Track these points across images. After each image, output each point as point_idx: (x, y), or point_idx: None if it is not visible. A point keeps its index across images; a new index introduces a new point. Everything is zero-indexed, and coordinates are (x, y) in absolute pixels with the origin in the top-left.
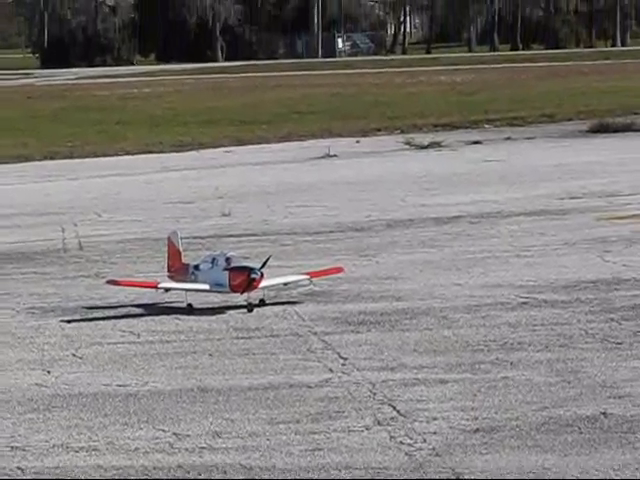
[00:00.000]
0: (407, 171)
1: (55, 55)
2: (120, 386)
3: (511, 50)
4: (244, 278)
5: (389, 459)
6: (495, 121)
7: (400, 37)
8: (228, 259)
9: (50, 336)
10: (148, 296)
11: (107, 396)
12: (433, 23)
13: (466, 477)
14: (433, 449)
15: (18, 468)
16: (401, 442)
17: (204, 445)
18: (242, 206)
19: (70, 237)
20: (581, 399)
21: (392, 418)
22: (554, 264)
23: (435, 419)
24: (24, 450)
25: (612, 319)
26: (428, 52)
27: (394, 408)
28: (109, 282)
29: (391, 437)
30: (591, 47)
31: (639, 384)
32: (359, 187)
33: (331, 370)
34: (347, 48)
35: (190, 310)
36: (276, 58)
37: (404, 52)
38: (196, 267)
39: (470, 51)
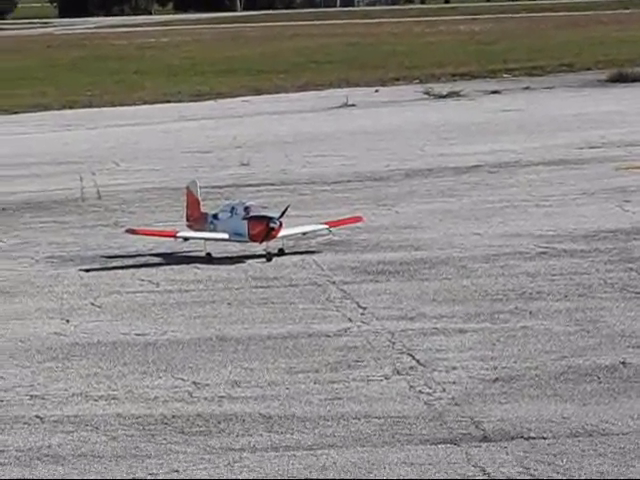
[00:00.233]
0: (425, 121)
1: (73, 4)
2: (139, 335)
3: None
4: (263, 227)
5: (408, 408)
6: (514, 71)
7: None
8: (247, 208)
9: (69, 285)
10: (167, 245)
11: (126, 345)
12: None
13: (485, 426)
14: (452, 398)
15: (37, 417)
16: (420, 391)
17: (223, 394)
18: (260, 156)
19: (89, 186)
20: (600, 348)
21: (411, 367)
22: (573, 214)
23: (454, 368)
24: (43, 399)
25: (631, 269)
26: (447, 1)
27: (413, 357)
28: (128, 231)
29: (410, 386)
30: None
31: None
32: (377, 137)
33: (350, 319)
34: None
35: (209, 259)
36: (294, 8)
37: (422, 1)
38: (215, 216)
39: (489, 0)
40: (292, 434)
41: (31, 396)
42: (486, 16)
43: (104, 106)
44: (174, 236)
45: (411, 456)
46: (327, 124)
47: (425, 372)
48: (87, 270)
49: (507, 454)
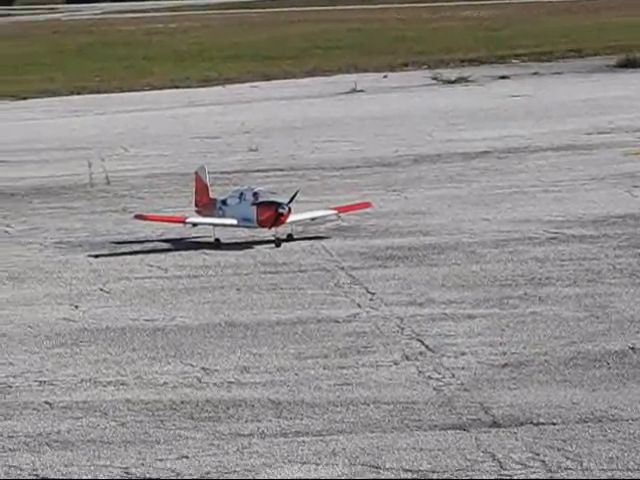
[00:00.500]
0: (434, 106)
1: None
2: (148, 321)
3: None
4: (272, 213)
5: (417, 394)
6: (522, 56)
7: None
8: (256, 194)
9: (78, 271)
10: (176, 231)
11: (135, 331)
12: None
13: (494, 412)
14: (461, 384)
15: (46, 402)
16: (429, 377)
17: (232, 380)
18: (268, 141)
19: (97, 172)
20: (609, 334)
21: (420, 353)
22: (582, 199)
23: (463, 354)
24: (52, 384)
25: None
26: None
27: (422, 343)
28: (136, 217)
29: (419, 372)
30: None
31: None
32: (386, 122)
33: (359, 305)
34: None
35: (218, 245)
36: None
37: None
38: (224, 202)
39: None
40: (301, 420)
41: (40, 382)
42: (494, 1)
43: (112, 92)
44: (183, 222)
45: (420, 442)
46: (335, 110)
47: (434, 358)
48: (96, 256)
49: (516, 440)
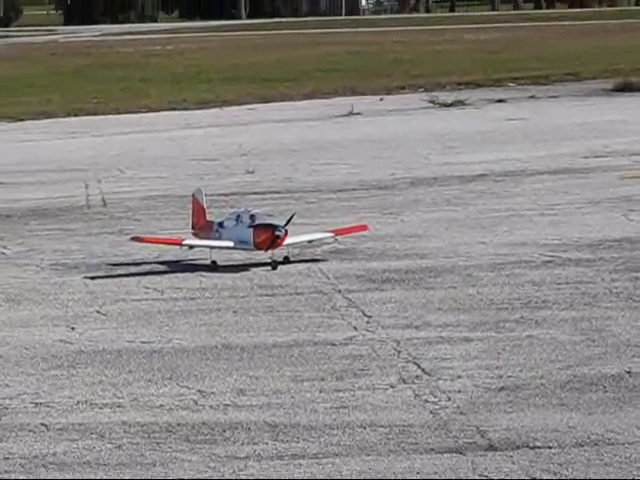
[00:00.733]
0: (431, 129)
1: (78, 12)
2: (144, 343)
3: (535, 9)
4: (268, 235)
5: (414, 417)
6: (519, 79)
7: None
8: (253, 216)
9: (74, 292)
10: (172, 253)
11: (131, 353)
12: None
13: (490, 435)
14: (458, 407)
15: (42, 424)
16: (426, 400)
17: (228, 402)
18: (266, 164)
19: (94, 194)
20: (606, 358)
21: (417, 376)
22: (578, 223)
23: (460, 377)
24: (48, 406)
25: (636, 278)
26: (452, 10)
27: (419, 366)
28: (133, 239)
29: (416, 395)
30: (614, 6)
31: None
32: (383, 145)
33: (355, 328)
34: (370, 6)
35: (214, 267)
36: (299, 16)
37: (428, 10)
38: (220, 224)
39: (494, 9)
40: (297, 442)
41: (36, 404)
42: (491, 25)
43: (109, 114)
44: (180, 244)
45: (417, 465)
46: (333, 132)
47: (430, 381)
48: (92, 278)
49: (513, 463)
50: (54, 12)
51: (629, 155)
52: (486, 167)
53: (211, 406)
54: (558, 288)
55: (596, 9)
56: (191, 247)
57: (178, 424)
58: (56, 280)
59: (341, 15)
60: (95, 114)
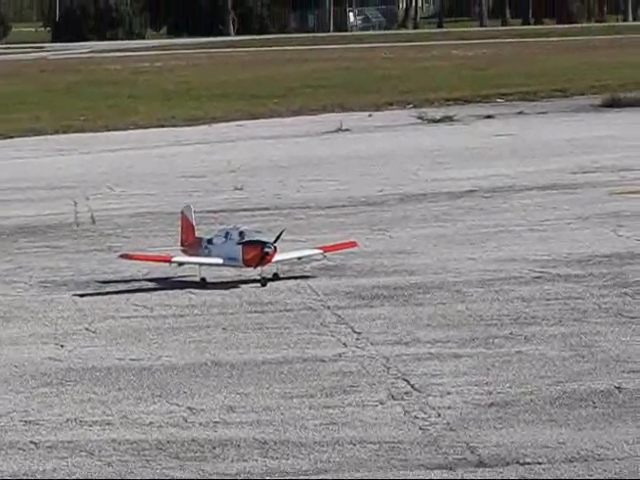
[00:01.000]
0: (419, 145)
1: (67, 29)
2: (134, 360)
3: (522, 25)
4: (257, 252)
5: (403, 434)
6: (507, 95)
7: (412, 11)
8: (241, 233)
9: (63, 310)
10: (161, 270)
11: (121, 370)
12: None
13: (480, 452)
14: (447, 424)
15: (32, 442)
16: (415, 417)
17: (218, 419)
18: (254, 180)
19: (83, 211)
20: (595, 373)
21: (406, 392)
22: (567, 238)
23: (449, 393)
24: (38, 424)
25: (626, 293)
26: (440, 26)
27: (408, 382)
28: (122, 256)
29: (405, 412)
30: (602, 22)
31: None
32: (371, 161)
33: (345, 344)
34: (359, 22)
35: (203, 284)
36: (287, 32)
37: (416, 26)
38: (209, 241)
39: (482, 25)
40: (287, 459)
41: (25, 422)
42: (479, 41)
43: (98, 131)
44: (169, 261)
45: None
46: (321, 149)
47: (420, 397)
48: (81, 295)
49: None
50: (42, 29)
51: (618, 171)
52: (475, 183)
53: (200, 423)
54: (547, 304)
55: (584, 25)
56: (180, 264)
57: (168, 441)
58: (45, 297)
59: (329, 31)
60: (84, 131)
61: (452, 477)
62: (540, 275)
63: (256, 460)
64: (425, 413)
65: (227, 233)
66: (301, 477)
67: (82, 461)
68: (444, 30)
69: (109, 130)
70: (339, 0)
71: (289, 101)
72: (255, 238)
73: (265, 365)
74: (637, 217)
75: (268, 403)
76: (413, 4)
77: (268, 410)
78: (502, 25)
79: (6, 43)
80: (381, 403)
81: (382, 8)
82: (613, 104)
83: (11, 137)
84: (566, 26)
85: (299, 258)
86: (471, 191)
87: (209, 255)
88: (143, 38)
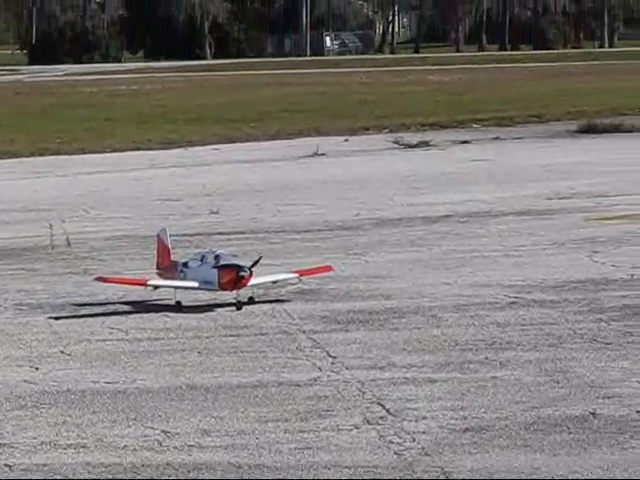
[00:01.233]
0: (395, 170)
1: (43, 51)
2: (108, 383)
3: (499, 50)
4: (233, 276)
5: (378, 458)
6: (483, 121)
7: (388, 36)
8: (217, 257)
9: (38, 333)
10: (137, 293)
11: (95, 393)
12: (421, 23)
13: (455, 477)
14: (422, 448)
15: (6, 465)
16: (390, 441)
17: (193, 443)
18: (230, 204)
19: (58, 234)
20: (570, 399)
21: (381, 417)
22: (543, 264)
23: (424, 418)
24: (12, 447)
25: (601, 319)
26: (416, 52)
27: (383, 407)
28: (97, 279)
29: (380, 436)
30: (579, 48)
31: (628, 384)
32: (347, 186)
33: (320, 369)
34: (335, 47)
35: (179, 308)
36: (264, 56)
37: (392, 51)
38: (185, 264)
39: (458, 51)
40: None
41: (0, 444)
42: (455, 66)
43: (74, 153)
44: (144, 284)
45: None
46: (297, 173)
47: (395, 422)
48: (56, 318)
49: None
50: (19, 52)
51: (593, 197)
52: (451, 208)
53: (175, 447)
54: (522, 329)
55: (561, 51)
56: (156, 287)
57: (142, 465)
58: (20, 320)
59: (306, 56)
60: (60, 154)
61: None
62: (515, 300)
63: None
64: (400, 438)
65: (203, 257)
66: None
67: None
68: (421, 55)
69: (85, 153)
70: (316, 24)
71: (265, 125)
72: (231, 262)
73: (240, 389)
74: (612, 243)
75: (243, 427)
76: (390, 29)
77: (243, 434)
78: (478, 51)
79: None
80: (356, 427)
81: (359, 33)
82: (589, 130)
83: None
84: (542, 52)
85: (275, 282)
86: (447, 216)
87: (185, 278)
88: (120, 61)
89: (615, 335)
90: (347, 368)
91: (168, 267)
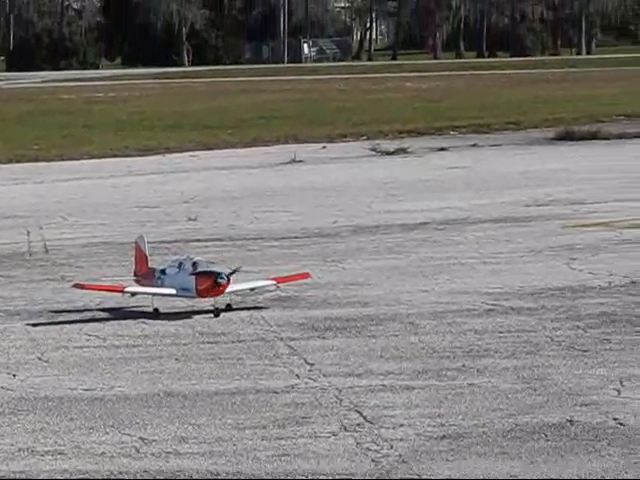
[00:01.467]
0: (373, 177)
1: (20, 58)
2: (86, 390)
3: (477, 57)
4: (210, 283)
5: (355, 465)
6: (461, 128)
7: (366, 43)
8: (195, 264)
9: (16, 339)
10: (114, 300)
11: (73, 400)
12: (399, 30)
13: None
14: (399, 456)
15: None
16: (367, 448)
17: (170, 450)
18: (208, 211)
19: (36, 240)
20: (547, 406)
21: (358, 424)
22: (520, 271)
23: (401, 425)
24: None
25: (578, 327)
26: (394, 58)
27: (360, 414)
28: (75, 286)
29: (357, 443)
30: (556, 55)
31: (605, 392)
32: (325, 193)
33: (297, 376)
34: (313, 54)
35: (156, 314)
36: (242, 63)
37: (370, 58)
38: (163, 271)
39: (436, 58)
40: None
41: None
42: (433, 73)
43: (52, 160)
44: (122, 291)
45: None
46: (275, 180)
47: (372, 429)
48: (34, 324)
49: None
50: None
51: (571, 204)
52: (428, 215)
53: (153, 454)
54: (500, 336)
55: (538, 58)
56: (133, 294)
57: (120, 472)
58: None
59: (283, 62)
60: (37, 160)
61: None
62: (493, 308)
63: None
64: (377, 445)
65: (180, 263)
66: None
67: None
68: (398, 62)
69: (63, 160)
70: (294, 31)
71: (243, 132)
72: (208, 269)
73: (218, 396)
74: (590, 250)
75: (220, 434)
76: (367, 36)
77: (220, 441)
78: (456, 58)
79: None
80: (333, 435)
81: (336, 40)
82: (566, 137)
83: None
84: (520, 59)
85: (252, 289)
86: (424, 223)
87: (162, 285)
88: (97, 68)
89: (592, 342)
90: (324, 375)
91: (146, 274)
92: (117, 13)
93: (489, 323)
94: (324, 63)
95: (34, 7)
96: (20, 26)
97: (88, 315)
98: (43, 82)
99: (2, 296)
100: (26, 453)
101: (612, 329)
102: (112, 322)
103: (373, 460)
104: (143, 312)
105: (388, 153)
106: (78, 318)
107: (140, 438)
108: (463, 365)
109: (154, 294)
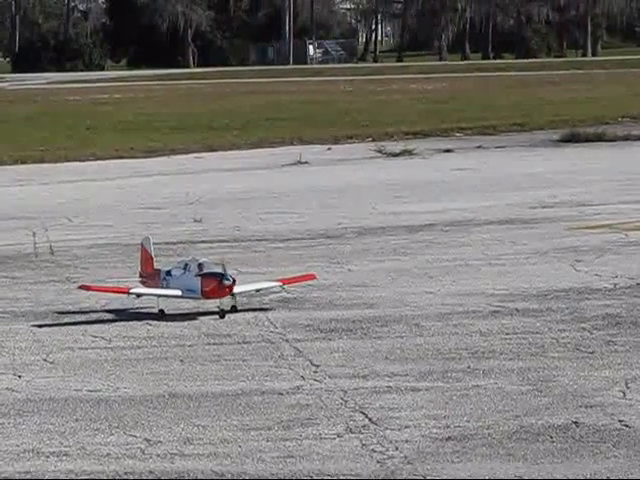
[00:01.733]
0: (378, 179)
1: (26, 59)
2: (91, 391)
3: (482, 59)
4: (216, 284)
5: (361, 467)
6: (466, 129)
7: (371, 45)
8: (200, 265)
9: (21, 341)
10: (119, 301)
11: (78, 401)
12: (404, 31)
13: None
14: (405, 457)
15: None
16: (373, 450)
17: (175, 451)
18: (213, 212)
19: (41, 242)
20: (553, 408)
21: (364, 426)
22: (525, 273)
23: (407, 427)
24: None
25: (583, 328)
26: (399, 60)
27: (366, 416)
28: (81, 287)
29: (363, 445)
30: (562, 57)
31: (610, 393)
32: (330, 194)
33: (303, 377)
34: (318, 55)
35: (162, 316)
36: (247, 65)
37: (375, 60)
38: (168, 273)
39: (441, 60)
40: None
41: None
42: (438, 75)
43: (57, 162)
44: (127, 292)
45: None
46: (280, 181)
47: (378, 430)
48: (39, 326)
49: None
50: (2, 60)
51: (576, 206)
52: (433, 217)
53: (158, 455)
54: (505, 338)
55: (544, 60)
56: (138, 295)
57: (125, 473)
58: (3, 328)
59: (289, 64)
60: (43, 162)
61: None
62: (498, 309)
63: None
64: (383, 446)
65: (186, 265)
66: None
67: None
68: (404, 64)
69: (68, 161)
70: (299, 33)
71: (248, 133)
72: (214, 270)
73: (223, 397)
74: (595, 252)
75: (225, 435)
76: (373, 38)
77: (225, 442)
78: (462, 59)
79: None
80: (339, 436)
81: (342, 41)
82: (572, 139)
83: None
84: (525, 61)
85: (257, 290)
86: (430, 225)
87: (168, 287)
88: (103, 69)
89: (598, 344)
90: (330, 377)
91: (151, 275)
92: (123, 15)
93: (494, 325)
94: (329, 65)
95: (40, 9)
96: (26, 27)
97: (93, 316)
98: (49, 83)
99: (8, 297)
100: (31, 454)
101: (617, 331)
102: (117, 323)
103: (378, 461)
104: (148, 313)
105: (393, 154)
106: (83, 319)
107: (145, 439)
108: (468, 367)
109: (159, 295)
